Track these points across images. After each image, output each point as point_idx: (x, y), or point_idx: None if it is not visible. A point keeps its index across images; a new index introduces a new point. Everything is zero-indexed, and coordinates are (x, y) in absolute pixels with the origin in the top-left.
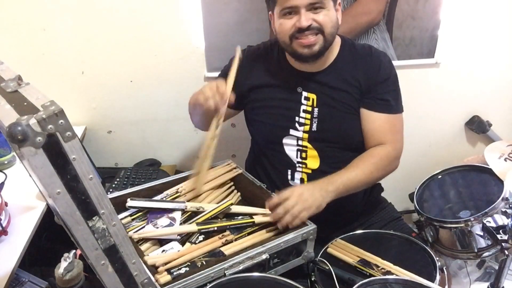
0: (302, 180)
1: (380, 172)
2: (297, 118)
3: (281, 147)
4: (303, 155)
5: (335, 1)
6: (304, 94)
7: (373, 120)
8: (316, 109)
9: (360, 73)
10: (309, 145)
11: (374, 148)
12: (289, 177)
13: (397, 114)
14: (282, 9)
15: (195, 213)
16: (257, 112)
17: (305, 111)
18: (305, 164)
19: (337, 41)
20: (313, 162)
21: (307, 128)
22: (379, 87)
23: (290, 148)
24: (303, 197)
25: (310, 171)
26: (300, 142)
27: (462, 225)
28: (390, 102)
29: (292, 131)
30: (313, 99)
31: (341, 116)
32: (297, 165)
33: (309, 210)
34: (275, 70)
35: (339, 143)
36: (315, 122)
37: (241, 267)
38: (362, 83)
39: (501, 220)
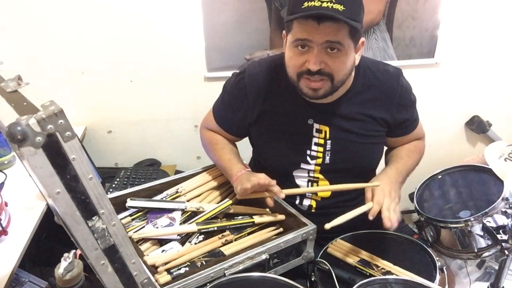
0: (310, 207)
1: (418, 162)
2: (308, 152)
3: (291, 178)
4: (314, 185)
5: (357, 40)
6: (316, 126)
7: (404, 139)
8: (329, 142)
9: (379, 105)
10: (321, 176)
11: (413, 142)
12: (297, 201)
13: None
14: (295, 39)
15: (195, 213)
16: (264, 144)
17: (317, 144)
18: (315, 193)
19: None
20: (325, 192)
21: (319, 161)
22: (407, 114)
23: (300, 179)
24: (392, 195)
25: (319, 199)
26: (311, 174)
27: (462, 225)
28: (417, 117)
29: (303, 165)
30: (325, 132)
31: (355, 146)
32: (306, 194)
33: (398, 205)
34: (283, 98)
35: (353, 172)
36: (328, 155)
37: (241, 267)
38: (382, 115)
39: (501, 220)
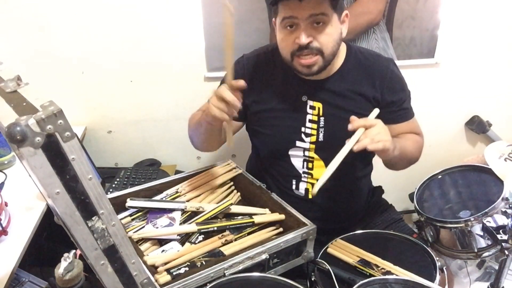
0: (307, 191)
1: (417, 154)
2: (303, 129)
3: (287, 158)
4: (309, 165)
5: (340, 13)
6: (310, 103)
7: (396, 130)
8: (322, 118)
9: (370, 83)
10: (315, 156)
11: (411, 134)
12: (294, 186)
13: (414, 117)
14: (282, 19)
15: (195, 213)
16: (261, 123)
17: (311, 121)
18: (311, 174)
19: (342, 47)
20: (320, 172)
21: (313, 138)
22: (397, 98)
23: (296, 159)
24: (385, 130)
25: (315, 182)
26: (306, 153)
27: (462, 225)
28: (409, 109)
29: (298, 143)
30: (319, 108)
31: (347, 123)
32: (302, 175)
33: (385, 143)
34: (278, 79)
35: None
36: (321, 132)
37: (240, 267)
38: (373, 94)
39: (501, 220)
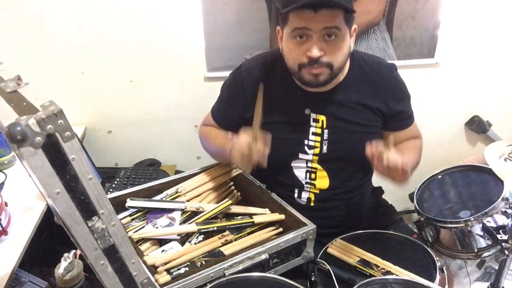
0: (309, 200)
1: (419, 159)
2: (306, 142)
3: (289, 169)
4: (312, 176)
5: (351, 26)
6: (313, 116)
7: (401, 135)
8: (326, 131)
9: (374, 94)
10: (318, 167)
11: (411, 140)
12: (296, 195)
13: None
14: (294, 29)
15: (195, 213)
16: None
17: (314, 134)
18: (314, 184)
19: None
20: (323, 182)
21: (317, 151)
22: (404, 107)
23: (299, 170)
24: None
25: (318, 191)
26: (309, 164)
27: (462, 225)
28: (411, 113)
29: (301, 155)
30: (322, 121)
31: (352, 135)
32: (305, 185)
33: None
34: (279, 91)
35: (351, 162)
36: (325, 144)
37: (240, 267)
38: (377, 105)
39: (501, 220)
